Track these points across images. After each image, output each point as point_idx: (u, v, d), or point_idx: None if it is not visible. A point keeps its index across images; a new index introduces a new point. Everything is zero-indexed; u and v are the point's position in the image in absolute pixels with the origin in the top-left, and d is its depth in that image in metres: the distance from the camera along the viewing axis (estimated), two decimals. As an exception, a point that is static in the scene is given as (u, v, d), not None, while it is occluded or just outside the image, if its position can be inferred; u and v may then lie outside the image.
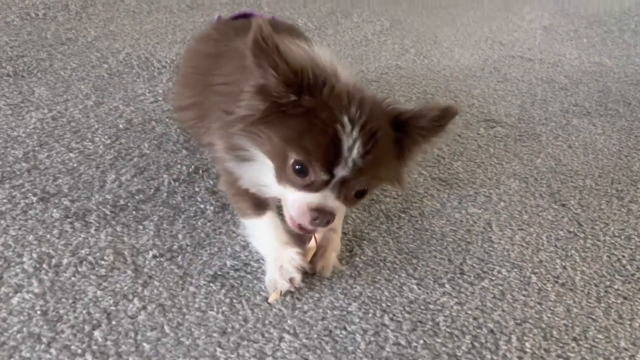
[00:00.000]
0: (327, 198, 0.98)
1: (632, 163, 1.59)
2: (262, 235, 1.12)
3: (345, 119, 0.94)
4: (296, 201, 0.99)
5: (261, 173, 1.05)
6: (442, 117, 1.03)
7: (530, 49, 2.44)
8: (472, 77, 2.09)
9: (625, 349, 1.01)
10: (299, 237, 1.10)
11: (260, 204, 1.13)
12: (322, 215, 0.98)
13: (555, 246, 1.24)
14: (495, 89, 2.00)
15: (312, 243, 1.09)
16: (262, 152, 1.01)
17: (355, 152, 0.94)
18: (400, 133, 1.03)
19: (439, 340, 0.99)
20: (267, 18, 1.53)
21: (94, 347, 0.91)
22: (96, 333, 0.93)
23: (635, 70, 2.28)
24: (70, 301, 0.99)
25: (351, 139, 0.94)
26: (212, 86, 1.22)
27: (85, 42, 2.02)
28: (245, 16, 1.51)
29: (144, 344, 0.92)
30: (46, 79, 1.72)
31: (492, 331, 1.02)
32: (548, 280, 1.14)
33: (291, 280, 1.02)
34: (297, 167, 0.96)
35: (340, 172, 0.95)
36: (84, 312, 0.97)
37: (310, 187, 0.97)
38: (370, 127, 0.96)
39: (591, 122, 1.82)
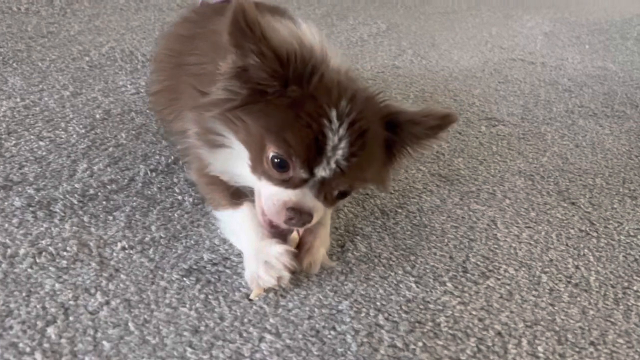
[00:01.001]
0: (305, 196, 0.88)
1: (643, 163, 1.49)
2: (240, 227, 1.00)
3: (334, 114, 0.85)
4: (271, 196, 0.90)
5: (234, 160, 0.95)
6: (440, 126, 0.94)
7: (531, 52, 2.35)
8: (472, 77, 2.00)
9: (649, 355, 0.90)
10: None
11: (236, 194, 1.02)
12: (298, 216, 0.88)
13: (567, 245, 1.13)
14: (497, 89, 1.91)
15: (294, 234, 0.98)
16: (238, 140, 0.91)
17: (340, 153, 0.85)
18: (391, 134, 0.94)
19: (440, 343, 0.88)
20: (256, 1, 1.45)
21: (46, 345, 0.79)
22: (50, 330, 0.82)
23: (641, 75, 2.19)
24: (24, 294, 0.87)
25: (337, 137, 0.84)
26: (185, 66, 1.12)
27: (68, 36, 1.92)
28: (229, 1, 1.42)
29: (104, 342, 0.81)
30: (22, 69, 1.62)
31: (499, 333, 0.90)
32: (560, 280, 1.03)
33: (279, 279, 0.91)
34: (275, 160, 0.86)
35: (321, 172, 0.86)
36: (38, 306, 0.86)
37: (287, 183, 0.88)
38: (360, 125, 0.86)
39: (598, 122, 1.72)
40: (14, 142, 1.26)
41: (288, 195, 0.88)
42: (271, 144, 0.86)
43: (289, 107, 0.86)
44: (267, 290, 0.92)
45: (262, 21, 0.83)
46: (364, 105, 0.89)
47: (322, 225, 1.02)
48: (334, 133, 0.84)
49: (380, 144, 0.93)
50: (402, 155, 0.99)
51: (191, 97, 1.02)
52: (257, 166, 0.90)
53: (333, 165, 0.85)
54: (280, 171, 0.87)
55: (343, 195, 0.94)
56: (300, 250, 0.98)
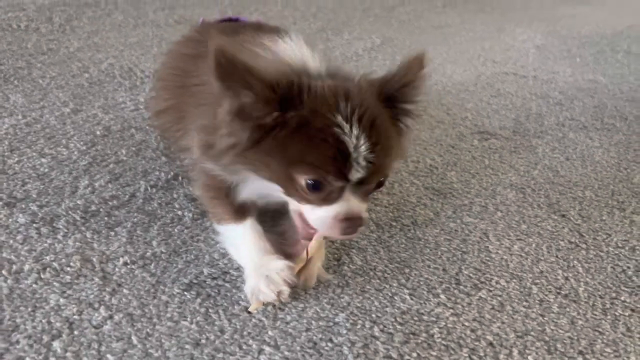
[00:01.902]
0: (350, 203, 0.91)
1: (632, 175, 1.53)
2: (242, 242, 1.03)
3: (340, 119, 0.86)
4: (321, 218, 0.92)
5: (263, 185, 0.96)
6: (415, 78, 0.95)
7: (523, 66, 2.40)
8: (465, 91, 2.04)
9: (636, 364, 0.93)
10: (280, 247, 1.03)
11: (239, 210, 1.05)
12: (352, 224, 0.91)
13: (556, 257, 1.17)
14: (489, 102, 1.95)
15: (303, 254, 1.00)
16: (262, 178, 0.93)
17: (363, 150, 0.87)
18: (391, 107, 0.96)
19: (433, 353, 0.90)
20: (254, 22, 1.48)
21: (52, 359, 0.82)
22: (55, 344, 0.84)
23: (630, 88, 2.23)
24: (29, 310, 0.90)
25: (354, 137, 0.86)
26: (189, 87, 1.15)
27: (67, 53, 1.96)
28: (231, 21, 1.45)
29: (108, 356, 0.84)
30: (23, 86, 1.65)
31: (491, 344, 0.93)
32: (550, 292, 1.06)
33: (279, 294, 0.94)
34: (309, 184, 0.89)
35: (356, 174, 0.88)
36: (43, 321, 0.88)
37: (329, 199, 0.91)
38: (367, 116, 0.88)
39: (588, 135, 1.76)
40: (16, 159, 1.29)
41: (334, 209, 0.91)
42: (299, 173, 0.88)
43: (296, 132, 0.87)
44: (265, 304, 0.95)
45: (241, 55, 0.84)
46: (360, 96, 0.90)
47: (315, 240, 1.04)
48: (350, 135, 0.86)
49: (388, 122, 0.95)
50: (408, 121, 1.00)
51: (196, 116, 1.05)
52: (292, 194, 0.93)
53: (363, 162, 0.87)
54: (317, 192, 0.90)
55: (379, 185, 0.96)
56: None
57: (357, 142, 0.86)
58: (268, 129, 0.87)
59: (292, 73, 0.91)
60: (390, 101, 0.95)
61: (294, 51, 0.99)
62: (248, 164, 0.91)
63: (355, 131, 0.86)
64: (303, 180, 0.88)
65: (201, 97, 1.07)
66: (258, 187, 0.99)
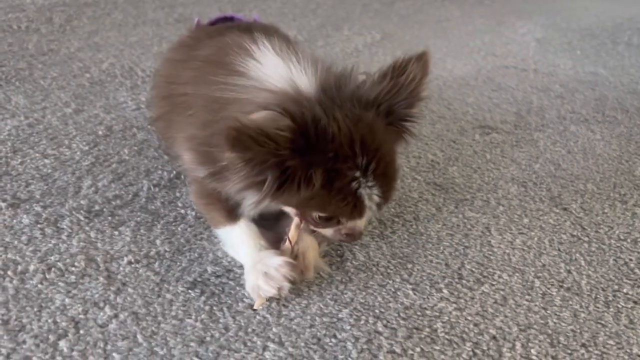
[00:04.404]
0: (355, 223, 0.99)
1: (634, 168, 1.53)
2: (239, 241, 1.04)
3: (358, 174, 0.89)
4: (326, 232, 1.02)
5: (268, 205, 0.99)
6: (421, 96, 0.98)
7: (524, 59, 2.39)
8: (466, 85, 2.04)
9: (639, 355, 0.93)
10: (274, 240, 1.05)
11: (232, 212, 1.06)
12: (352, 238, 1.02)
13: (559, 250, 1.17)
14: (490, 97, 1.95)
15: (286, 244, 1.02)
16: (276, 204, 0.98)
17: (376, 197, 0.92)
18: (389, 118, 0.95)
19: (437, 348, 0.91)
20: (249, 20, 1.48)
21: (58, 358, 0.83)
22: (61, 343, 0.85)
23: (631, 80, 2.23)
24: (35, 309, 0.91)
25: (368, 189, 0.91)
26: (175, 96, 1.14)
27: (68, 53, 1.96)
28: (226, 19, 1.45)
29: (114, 354, 0.84)
30: (24, 87, 1.66)
31: (494, 338, 0.94)
32: (552, 285, 1.07)
33: (279, 289, 0.95)
34: (323, 217, 0.96)
35: (368, 215, 0.96)
36: (49, 321, 0.89)
37: (337, 224, 0.98)
38: (381, 165, 0.90)
39: (589, 128, 1.76)
40: (19, 160, 1.29)
41: (342, 227, 0.99)
42: (315, 211, 0.95)
43: (320, 190, 0.88)
44: (269, 300, 0.96)
45: (255, 128, 0.79)
46: (373, 140, 0.90)
47: (294, 227, 1.04)
48: (365, 188, 0.90)
49: (392, 145, 0.97)
50: (408, 126, 1.00)
51: (182, 124, 1.06)
52: (301, 217, 0.99)
53: (374, 208, 0.93)
54: (328, 223, 0.97)
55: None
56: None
57: (370, 192, 0.91)
58: (289, 175, 0.85)
59: (293, 109, 0.86)
60: (394, 115, 0.96)
61: (272, 72, 0.95)
62: (265, 198, 0.90)
63: (370, 183, 0.90)
64: (317, 215, 0.95)
65: (186, 105, 1.07)
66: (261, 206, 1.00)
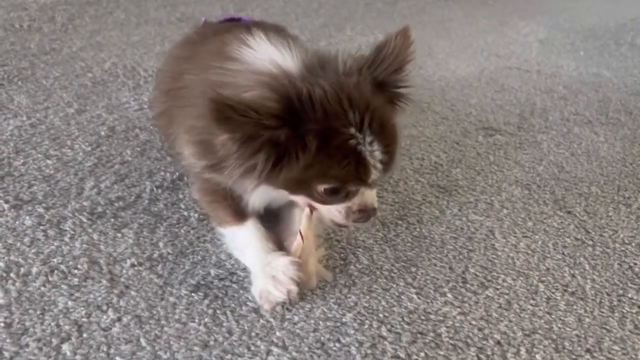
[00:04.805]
0: (365, 196, 0.96)
1: (638, 170, 1.52)
2: (245, 243, 1.03)
3: (353, 130, 0.87)
4: (335, 210, 0.97)
5: (271, 192, 0.98)
6: (405, 62, 0.96)
7: (527, 60, 2.39)
8: (469, 87, 2.03)
9: (644, 361, 0.93)
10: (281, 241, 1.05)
11: (240, 211, 1.05)
12: (366, 215, 0.97)
13: (563, 254, 1.16)
14: (493, 98, 1.94)
15: (298, 240, 1.01)
16: (275, 189, 0.95)
17: (378, 153, 0.90)
18: (384, 91, 0.95)
19: (441, 353, 0.91)
20: (256, 21, 1.48)
21: (61, 362, 0.82)
22: (65, 346, 0.85)
23: (635, 81, 2.22)
24: (38, 312, 0.90)
25: (368, 145, 0.89)
26: (176, 90, 1.14)
27: (70, 52, 1.96)
28: (233, 20, 1.45)
29: (117, 358, 0.84)
30: (27, 87, 1.66)
31: (499, 343, 0.93)
32: (557, 289, 1.06)
33: (289, 293, 0.94)
34: (328, 190, 0.92)
35: (373, 177, 0.92)
36: (52, 324, 0.89)
37: (345, 199, 0.95)
38: (376, 119, 0.89)
39: (593, 130, 1.75)
40: (22, 161, 1.29)
41: (351, 202, 0.95)
42: (320, 184, 0.91)
43: (318, 154, 0.86)
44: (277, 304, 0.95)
45: (235, 99, 0.81)
46: (362, 98, 0.89)
47: (306, 239, 1.03)
48: (365, 144, 0.88)
49: (388, 111, 0.96)
50: (403, 97, 1.00)
51: (182, 118, 1.05)
52: (306, 196, 0.96)
53: (379, 166, 0.90)
54: (335, 195, 0.93)
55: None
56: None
57: (371, 149, 0.89)
58: (284, 149, 0.86)
59: (277, 84, 0.87)
60: (383, 86, 0.95)
61: (262, 56, 0.96)
62: (264, 183, 0.91)
63: (368, 139, 0.88)
64: (322, 187, 0.91)
65: (185, 98, 1.07)
66: (265, 195, 1.00)
